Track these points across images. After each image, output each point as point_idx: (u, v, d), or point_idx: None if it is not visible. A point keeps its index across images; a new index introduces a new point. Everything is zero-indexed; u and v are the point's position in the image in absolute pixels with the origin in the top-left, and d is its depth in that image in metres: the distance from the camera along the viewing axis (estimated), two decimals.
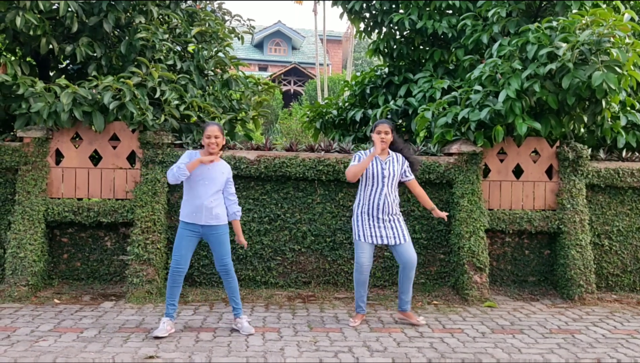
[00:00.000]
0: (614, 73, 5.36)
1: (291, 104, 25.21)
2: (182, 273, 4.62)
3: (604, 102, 5.88)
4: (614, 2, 6.55)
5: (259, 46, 35.52)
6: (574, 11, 6.42)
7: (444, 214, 5.16)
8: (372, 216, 4.89)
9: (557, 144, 6.34)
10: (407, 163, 5.06)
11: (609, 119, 6.26)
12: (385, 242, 4.88)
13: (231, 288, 4.73)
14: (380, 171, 4.89)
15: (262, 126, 8.38)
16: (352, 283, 6.12)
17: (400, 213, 5.04)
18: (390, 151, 5.02)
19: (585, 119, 6.08)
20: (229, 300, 4.77)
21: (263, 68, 33.56)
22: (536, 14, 7.24)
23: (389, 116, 7.72)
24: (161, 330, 4.49)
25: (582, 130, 6.37)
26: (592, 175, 6.30)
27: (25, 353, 4.04)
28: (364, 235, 4.90)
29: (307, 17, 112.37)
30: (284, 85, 29.00)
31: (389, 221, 4.90)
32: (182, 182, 4.62)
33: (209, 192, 4.61)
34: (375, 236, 4.88)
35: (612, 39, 5.47)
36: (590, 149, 6.31)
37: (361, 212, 4.93)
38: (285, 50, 35.76)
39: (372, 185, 4.90)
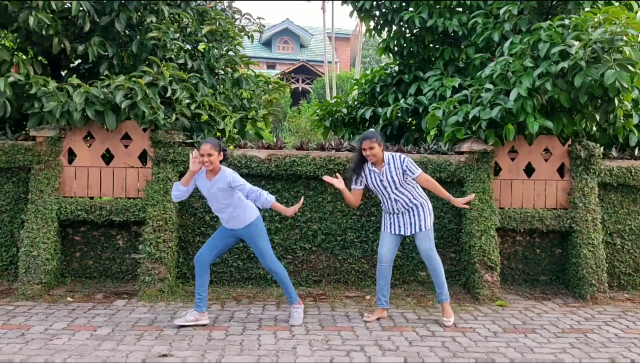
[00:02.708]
0: (627, 71, 5.33)
1: (300, 102, 25.22)
2: (198, 262, 4.79)
3: (616, 101, 5.85)
4: (626, 0, 6.50)
5: (267, 43, 35.55)
6: (586, 9, 6.40)
7: (466, 199, 5.13)
8: (391, 215, 5.07)
9: (569, 142, 6.31)
10: (406, 161, 4.93)
11: (622, 118, 6.23)
12: (402, 232, 5.02)
13: (279, 281, 4.95)
14: (379, 183, 4.96)
15: (271, 124, 8.40)
16: (362, 282, 6.14)
17: (423, 201, 5.03)
18: (386, 157, 4.96)
19: (598, 117, 6.05)
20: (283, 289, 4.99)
21: (271, 66, 33.57)
22: (548, 11, 7.20)
23: (399, 114, 7.70)
24: (181, 319, 4.74)
25: (594, 128, 6.34)
26: (604, 174, 6.27)
27: (40, 351, 4.08)
28: (385, 225, 5.11)
29: (316, 15, 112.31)
30: (293, 83, 29.01)
31: (409, 214, 5.00)
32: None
33: (219, 206, 4.80)
34: (394, 226, 5.05)
35: (624, 37, 5.43)
36: (602, 148, 6.27)
37: (384, 211, 5.16)
38: (294, 48, 35.77)
39: (380, 194, 5.05)
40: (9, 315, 4.93)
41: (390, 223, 5.06)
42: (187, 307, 5.28)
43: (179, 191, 4.71)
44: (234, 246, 5.30)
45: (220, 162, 4.72)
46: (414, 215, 4.99)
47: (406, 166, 4.92)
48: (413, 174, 4.95)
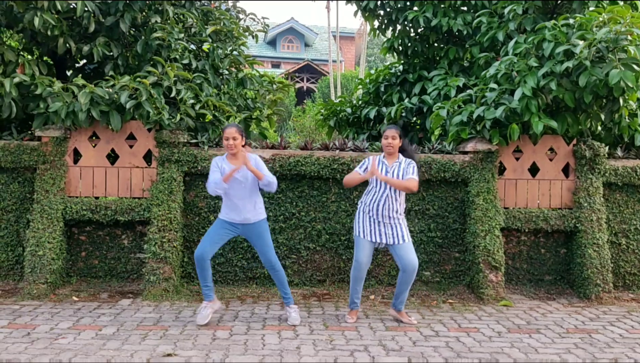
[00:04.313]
0: (632, 71, 5.31)
1: (304, 101, 25.23)
2: (201, 259, 4.79)
3: (621, 100, 5.84)
4: (631, 0, 6.48)
5: (272, 43, 35.57)
6: (591, 8, 6.37)
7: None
8: (372, 217, 4.89)
9: (574, 142, 6.29)
10: (413, 164, 4.95)
11: (627, 117, 6.21)
12: (384, 241, 4.87)
13: (279, 281, 4.96)
14: (384, 174, 4.89)
15: (276, 123, 8.41)
16: (366, 281, 6.13)
17: (404, 217, 4.98)
18: (400, 156, 5.00)
19: (603, 117, 6.03)
20: (278, 289, 5.02)
21: (276, 65, 33.60)
22: (553, 11, 7.18)
23: (403, 114, 7.70)
24: (201, 317, 4.84)
25: (599, 128, 6.32)
26: (610, 173, 6.25)
27: (45, 351, 4.10)
28: (363, 232, 4.92)
29: (320, 14, 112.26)
30: (297, 82, 29.01)
31: (389, 222, 4.87)
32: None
33: (242, 194, 4.79)
34: (375, 234, 4.88)
35: (629, 37, 5.41)
36: (607, 147, 6.26)
37: (363, 211, 4.96)
38: (298, 47, 35.77)
39: (376, 187, 4.91)
40: (15, 315, 4.96)
41: (371, 230, 4.87)
42: (191, 306, 5.30)
43: (223, 188, 4.68)
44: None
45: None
46: (395, 226, 4.86)
47: (412, 166, 4.91)
48: (411, 173, 4.85)
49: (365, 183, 6.03)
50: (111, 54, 6.47)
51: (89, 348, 4.17)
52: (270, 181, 4.73)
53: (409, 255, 4.83)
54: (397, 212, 4.88)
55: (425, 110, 7.61)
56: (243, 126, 7.07)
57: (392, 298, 5.77)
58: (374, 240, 4.89)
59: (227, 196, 4.82)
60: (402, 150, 5.05)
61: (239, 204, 4.79)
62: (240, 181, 4.76)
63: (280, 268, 4.92)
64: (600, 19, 5.63)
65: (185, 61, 6.86)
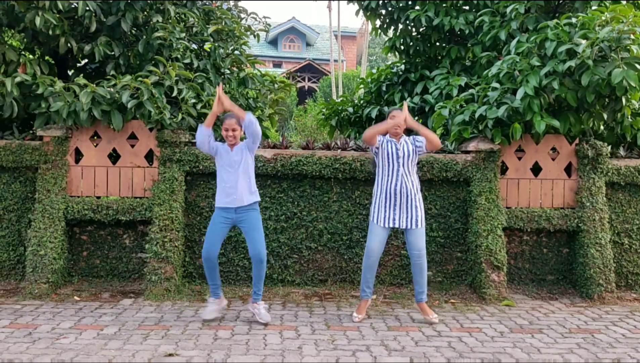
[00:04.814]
0: (634, 70, 5.29)
1: (306, 100, 25.22)
2: (210, 259, 4.87)
3: (624, 100, 5.83)
4: None
5: (274, 42, 35.57)
6: (593, 7, 6.35)
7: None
8: (389, 200, 4.92)
9: (576, 141, 6.27)
10: (415, 136, 5.06)
11: (629, 117, 6.19)
12: (397, 225, 4.91)
13: (258, 274, 4.93)
14: (395, 151, 4.92)
15: (277, 123, 8.40)
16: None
17: (421, 197, 5.01)
18: (403, 135, 5.06)
19: (605, 116, 6.02)
20: (253, 283, 4.98)
21: (277, 65, 33.60)
22: (555, 10, 7.17)
23: None
24: (206, 312, 4.94)
25: (602, 127, 6.30)
26: (612, 173, 6.23)
27: (47, 351, 4.09)
28: (378, 218, 4.95)
29: (322, 14, 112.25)
30: (299, 81, 29.01)
31: (407, 203, 4.91)
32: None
33: (235, 177, 4.85)
34: (389, 220, 4.92)
35: (632, 36, 5.40)
36: (610, 147, 6.24)
37: (379, 198, 4.98)
38: (300, 46, 35.77)
39: (388, 166, 4.93)
40: (17, 314, 4.96)
41: (385, 216, 4.94)
42: (193, 306, 5.30)
43: (202, 134, 4.82)
44: None
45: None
46: (412, 207, 4.91)
47: (416, 139, 5.02)
48: (421, 142, 4.97)
49: (370, 182, 6.05)
50: (112, 53, 6.47)
51: (90, 348, 4.16)
52: (252, 118, 4.80)
53: (417, 241, 4.93)
54: (414, 187, 4.94)
55: (427, 109, 7.60)
56: None
57: (392, 298, 5.78)
58: (388, 226, 4.94)
59: (222, 181, 4.89)
60: (409, 131, 5.10)
61: (235, 187, 4.85)
62: (230, 168, 4.86)
63: (265, 262, 4.92)
64: (603, 18, 5.61)
65: (187, 61, 6.85)
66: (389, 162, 4.94)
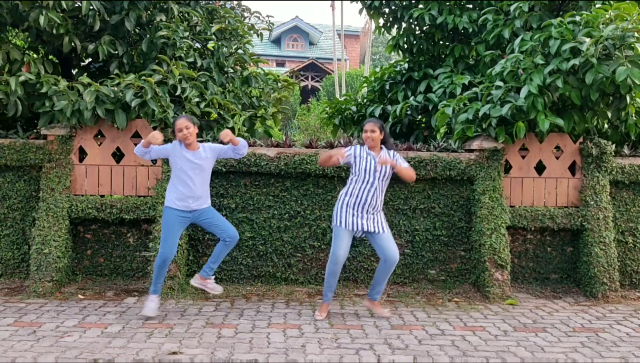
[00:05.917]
0: (638, 68, 5.28)
1: (309, 99, 25.21)
2: (168, 261, 4.94)
3: (628, 98, 5.80)
4: None
5: (277, 41, 35.54)
6: (597, 6, 6.33)
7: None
8: (356, 209, 4.93)
9: (580, 140, 6.26)
10: (398, 156, 5.09)
11: (633, 115, 6.16)
12: (365, 229, 4.92)
13: (221, 252, 5.07)
14: (374, 166, 4.93)
15: (280, 122, 8.41)
16: (371, 280, 6.10)
17: (382, 211, 5.10)
18: (383, 148, 5.07)
19: (609, 114, 6.00)
20: (210, 261, 5.11)
21: (281, 64, 33.58)
22: (559, 8, 7.15)
23: (408, 112, 7.68)
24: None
25: (606, 126, 6.28)
26: (616, 171, 6.22)
27: (51, 349, 4.10)
28: (346, 221, 4.93)
29: (325, 13, 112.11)
30: (302, 80, 29.00)
31: (373, 213, 4.96)
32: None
33: (194, 184, 4.89)
34: (356, 224, 4.92)
35: (636, 34, 5.38)
36: (614, 145, 6.22)
37: (347, 203, 4.97)
38: (303, 45, 35.73)
39: (364, 179, 4.94)
40: (21, 313, 4.97)
41: (353, 221, 4.92)
42: (197, 304, 5.31)
43: (141, 151, 4.92)
44: None
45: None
46: (376, 218, 4.96)
47: (400, 158, 5.10)
48: (403, 163, 5.05)
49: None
50: (116, 52, 6.48)
51: (94, 346, 4.17)
52: (243, 143, 4.90)
53: (390, 246, 4.95)
54: (380, 203, 5.02)
55: (430, 108, 7.58)
56: (248, 124, 7.07)
57: (396, 297, 5.77)
58: (354, 229, 4.93)
59: (184, 185, 4.88)
60: (384, 142, 5.11)
61: (197, 191, 4.89)
62: (191, 172, 4.87)
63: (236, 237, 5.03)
64: (607, 16, 5.60)
65: (190, 60, 6.86)
66: (366, 175, 4.95)
